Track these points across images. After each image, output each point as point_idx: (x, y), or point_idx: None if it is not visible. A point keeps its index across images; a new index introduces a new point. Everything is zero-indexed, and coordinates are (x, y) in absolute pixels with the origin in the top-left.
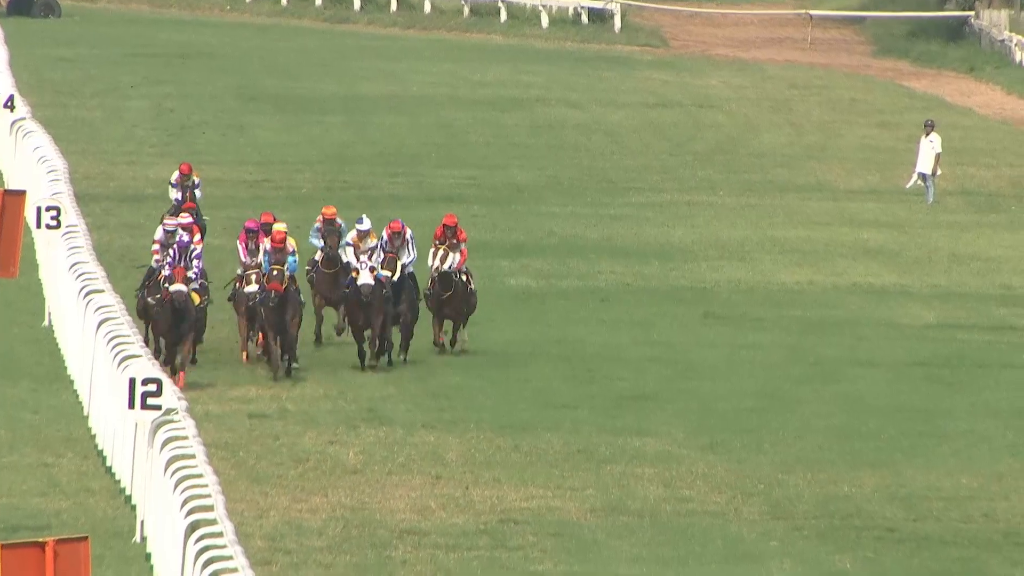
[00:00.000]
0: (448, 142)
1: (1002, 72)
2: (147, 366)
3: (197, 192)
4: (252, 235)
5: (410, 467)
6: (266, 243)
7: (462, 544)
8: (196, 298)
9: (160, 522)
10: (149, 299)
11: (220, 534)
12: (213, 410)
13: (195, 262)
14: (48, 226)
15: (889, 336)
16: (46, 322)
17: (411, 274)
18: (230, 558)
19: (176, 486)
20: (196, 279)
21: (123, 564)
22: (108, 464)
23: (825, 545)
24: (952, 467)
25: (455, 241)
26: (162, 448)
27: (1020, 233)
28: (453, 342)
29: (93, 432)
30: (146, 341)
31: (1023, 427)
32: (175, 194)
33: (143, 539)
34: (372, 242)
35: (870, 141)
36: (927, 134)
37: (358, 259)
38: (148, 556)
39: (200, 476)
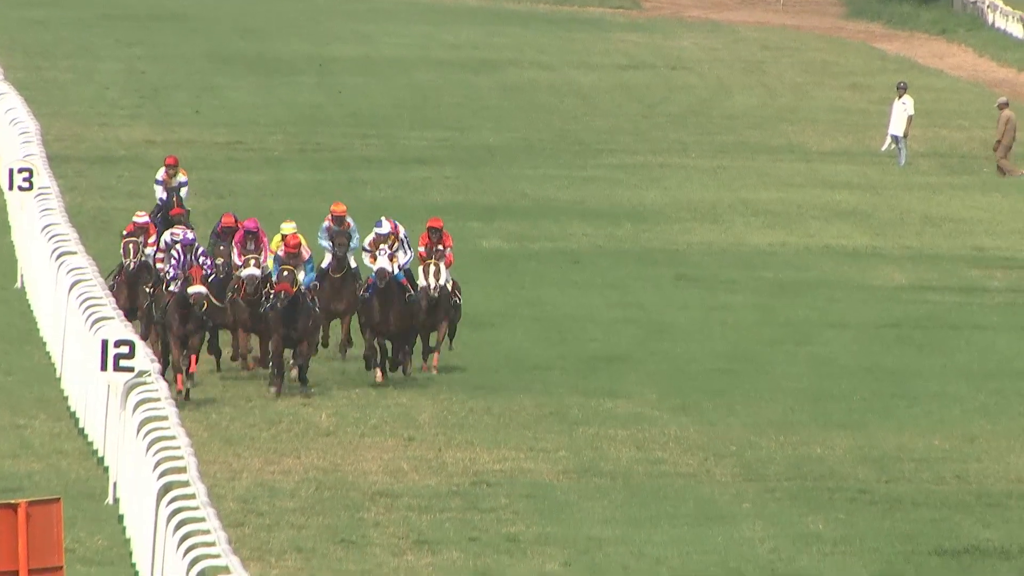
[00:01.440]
0: (420, 104)
1: (974, 34)
2: (119, 328)
3: (183, 191)
4: (251, 236)
5: (383, 429)
6: (278, 247)
7: (435, 506)
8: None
9: (133, 484)
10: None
11: (193, 496)
12: None
13: (204, 260)
14: (20, 188)
15: (861, 298)
16: (18, 284)
17: (408, 273)
18: (203, 520)
19: (149, 448)
20: (211, 274)
21: (96, 525)
22: (80, 426)
23: (797, 506)
24: (924, 428)
25: (440, 248)
26: (135, 410)
27: (992, 195)
28: (426, 354)
29: (66, 394)
30: (158, 353)
31: (995, 389)
32: (160, 192)
33: (116, 501)
34: (384, 246)
35: (842, 103)
36: (899, 96)
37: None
38: (121, 517)
39: (173, 438)
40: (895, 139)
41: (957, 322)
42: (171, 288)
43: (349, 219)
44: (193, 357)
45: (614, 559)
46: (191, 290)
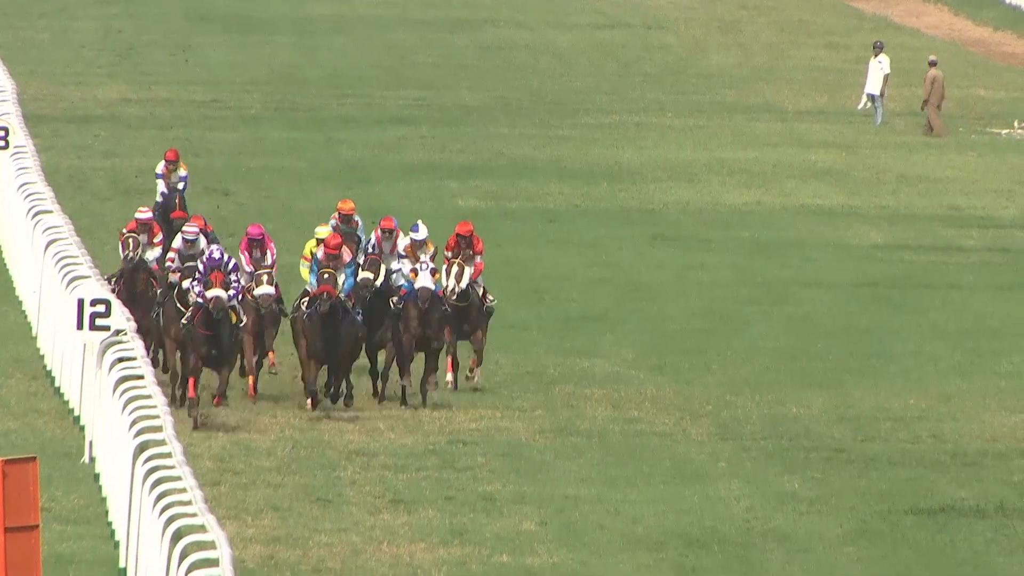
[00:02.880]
0: (397, 63)
1: None
2: (96, 287)
3: (181, 186)
4: (256, 243)
5: (359, 388)
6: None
7: (411, 465)
8: (233, 316)
9: (109, 442)
10: (180, 321)
11: (169, 455)
12: None
13: (232, 276)
14: None
15: (837, 257)
16: None
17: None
18: (179, 479)
19: (125, 407)
20: (236, 294)
21: (72, 484)
22: (57, 385)
23: (773, 465)
24: (900, 388)
25: (470, 252)
26: (111, 369)
27: (968, 154)
28: (471, 369)
29: (42, 353)
30: (171, 371)
31: (970, 347)
32: (161, 187)
33: (92, 459)
34: (429, 251)
35: (818, 62)
36: (876, 55)
37: (417, 260)
38: (97, 476)
39: (149, 397)
40: (871, 98)
41: (933, 281)
42: (197, 300)
43: (357, 217)
44: (223, 377)
45: (590, 518)
46: (209, 294)
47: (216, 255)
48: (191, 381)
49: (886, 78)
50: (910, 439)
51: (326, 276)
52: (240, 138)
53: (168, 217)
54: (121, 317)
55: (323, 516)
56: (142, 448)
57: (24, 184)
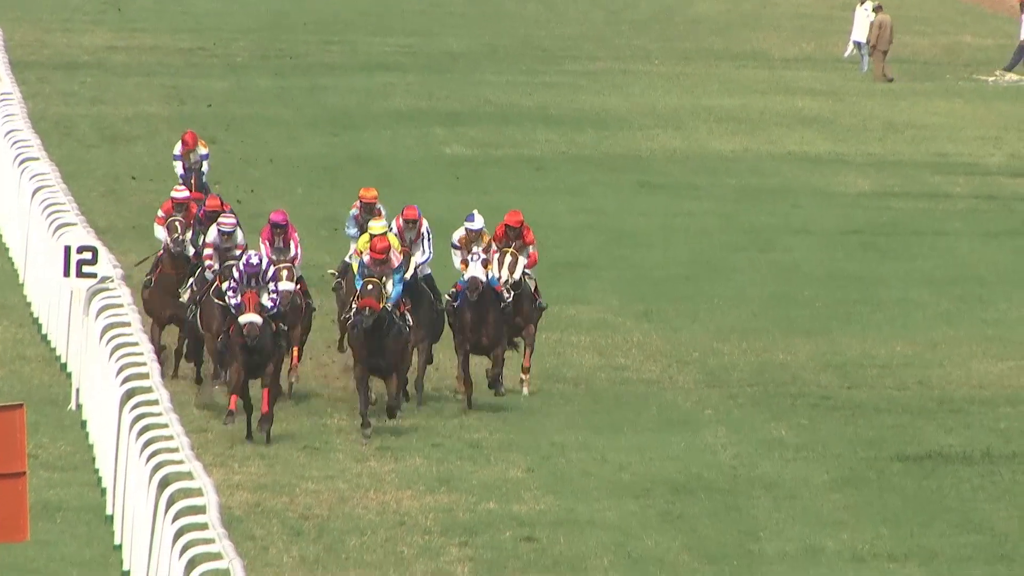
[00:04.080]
0: (383, 10)
1: None
2: (82, 234)
3: (204, 166)
4: (279, 231)
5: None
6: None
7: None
8: (274, 325)
9: (96, 390)
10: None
11: (156, 402)
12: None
13: (271, 286)
14: None
15: (823, 204)
16: None
17: (428, 277)
18: (166, 426)
19: (112, 354)
20: (274, 307)
21: (59, 431)
22: (44, 332)
23: (760, 412)
24: (886, 335)
25: (520, 243)
26: (97, 316)
27: (954, 101)
28: (526, 367)
29: (28, 300)
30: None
31: (957, 294)
32: (179, 169)
33: (79, 407)
34: (485, 242)
35: (805, 9)
36: (862, 3)
37: (469, 251)
38: (84, 423)
39: (135, 344)
40: (857, 45)
41: (919, 228)
42: (232, 303)
43: (380, 206)
44: (265, 392)
45: (576, 465)
46: (242, 320)
47: (255, 260)
48: (233, 397)
49: (871, 25)
50: (897, 386)
51: (370, 287)
52: (226, 86)
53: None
54: (108, 264)
55: (310, 464)
56: (129, 395)
57: (10, 131)
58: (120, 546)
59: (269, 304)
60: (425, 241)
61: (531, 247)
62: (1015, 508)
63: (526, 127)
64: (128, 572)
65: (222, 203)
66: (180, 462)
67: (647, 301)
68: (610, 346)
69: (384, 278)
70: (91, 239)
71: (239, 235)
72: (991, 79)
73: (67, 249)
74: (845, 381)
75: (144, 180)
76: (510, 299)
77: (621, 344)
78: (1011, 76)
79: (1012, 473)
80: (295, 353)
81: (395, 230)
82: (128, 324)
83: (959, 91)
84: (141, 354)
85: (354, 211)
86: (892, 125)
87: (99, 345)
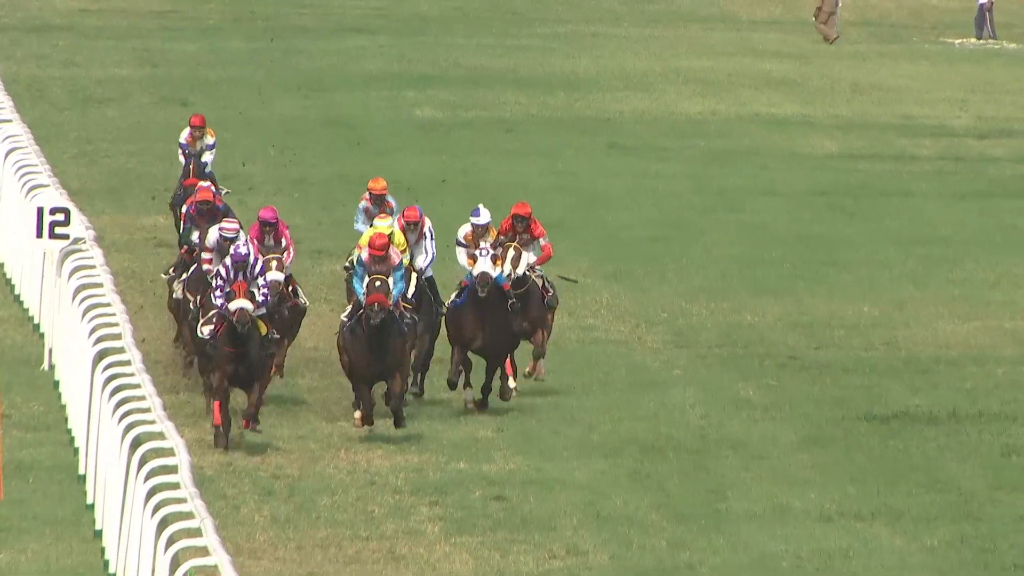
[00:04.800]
0: None
1: None
2: (55, 195)
3: (208, 156)
4: (269, 229)
5: (317, 296)
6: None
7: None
8: (262, 327)
9: (68, 350)
10: (201, 330)
11: (128, 362)
12: (120, 239)
13: (260, 280)
14: None
15: (791, 165)
16: None
17: (430, 280)
18: (138, 386)
19: (84, 314)
20: (264, 302)
21: (31, 391)
22: (16, 292)
23: (728, 372)
24: (853, 295)
25: (527, 237)
26: (70, 277)
27: (921, 63)
28: (529, 372)
29: (1, 261)
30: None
31: (924, 255)
32: (183, 157)
33: (51, 367)
34: (492, 237)
35: None
36: None
37: (476, 247)
38: (56, 383)
39: (108, 305)
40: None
41: (886, 189)
42: (218, 303)
43: (391, 198)
44: (253, 397)
45: (546, 425)
46: (232, 306)
47: (243, 251)
48: (216, 405)
49: None
50: (863, 346)
51: (378, 284)
52: (198, 48)
53: (183, 186)
54: (80, 226)
55: (281, 423)
56: (101, 356)
57: None
58: (92, 505)
59: (260, 299)
60: (427, 242)
61: (542, 240)
62: (980, 467)
63: (496, 89)
64: (100, 531)
65: (214, 196)
66: (152, 422)
67: (616, 262)
68: (579, 306)
69: (388, 274)
70: (64, 200)
71: (242, 239)
72: (958, 42)
73: (40, 210)
74: (812, 341)
75: (117, 142)
76: (515, 300)
77: (590, 304)
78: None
79: (978, 432)
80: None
81: (363, 206)
82: (100, 285)
83: (926, 54)
84: (113, 315)
85: (363, 203)
86: (859, 87)
87: (72, 305)
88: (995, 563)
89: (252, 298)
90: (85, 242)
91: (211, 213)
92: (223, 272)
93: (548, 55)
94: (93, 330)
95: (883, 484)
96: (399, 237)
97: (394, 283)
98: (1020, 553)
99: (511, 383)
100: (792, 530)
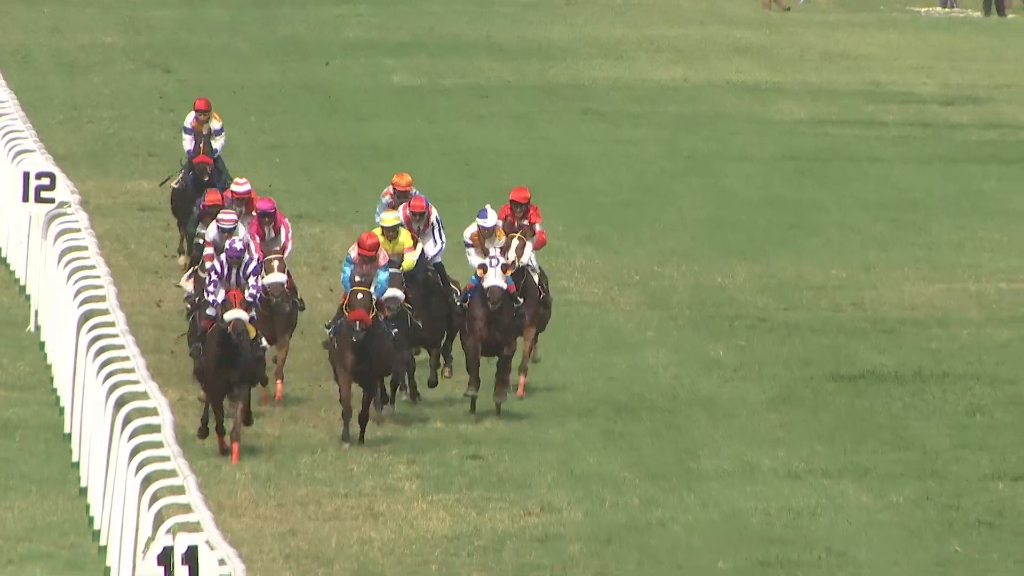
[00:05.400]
0: None
1: None
2: (41, 160)
3: (218, 141)
4: (267, 220)
5: (296, 260)
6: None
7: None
8: (251, 330)
9: (54, 312)
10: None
11: (112, 323)
12: (105, 203)
13: (251, 280)
14: None
15: (761, 131)
16: None
17: (440, 267)
18: (122, 347)
19: (69, 277)
20: (254, 302)
21: (18, 352)
22: (3, 255)
23: (699, 333)
24: (822, 258)
25: (527, 224)
26: (56, 240)
27: (889, 32)
28: (516, 368)
29: None
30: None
31: (890, 219)
32: (188, 144)
33: (37, 328)
34: (499, 242)
35: None
36: None
37: (486, 254)
38: (42, 345)
39: (93, 267)
40: None
41: (854, 155)
42: (208, 312)
43: (416, 191)
44: (240, 408)
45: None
46: (228, 316)
47: (239, 246)
48: (220, 439)
49: None
50: (831, 307)
51: (360, 296)
52: (181, 15)
53: (192, 164)
54: (66, 189)
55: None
56: (86, 317)
57: None
58: (78, 463)
59: (251, 296)
60: (436, 232)
61: (537, 226)
62: (945, 426)
63: (472, 57)
64: (85, 488)
65: (223, 197)
66: (136, 382)
67: (590, 225)
68: (553, 268)
69: (371, 277)
70: (49, 165)
71: (241, 231)
72: (924, 10)
73: (26, 175)
74: (781, 303)
75: (102, 108)
76: (523, 301)
77: (564, 267)
78: (948, 10)
79: (942, 392)
80: (281, 358)
81: (402, 219)
82: (85, 248)
83: (893, 22)
84: (98, 277)
85: (386, 198)
86: (828, 55)
87: (57, 268)
88: (959, 520)
89: (247, 308)
90: (70, 206)
91: (214, 214)
92: (217, 267)
93: (523, 23)
94: (78, 292)
95: (850, 442)
96: (405, 235)
97: (378, 284)
98: (984, 510)
99: (522, 379)
100: (761, 487)
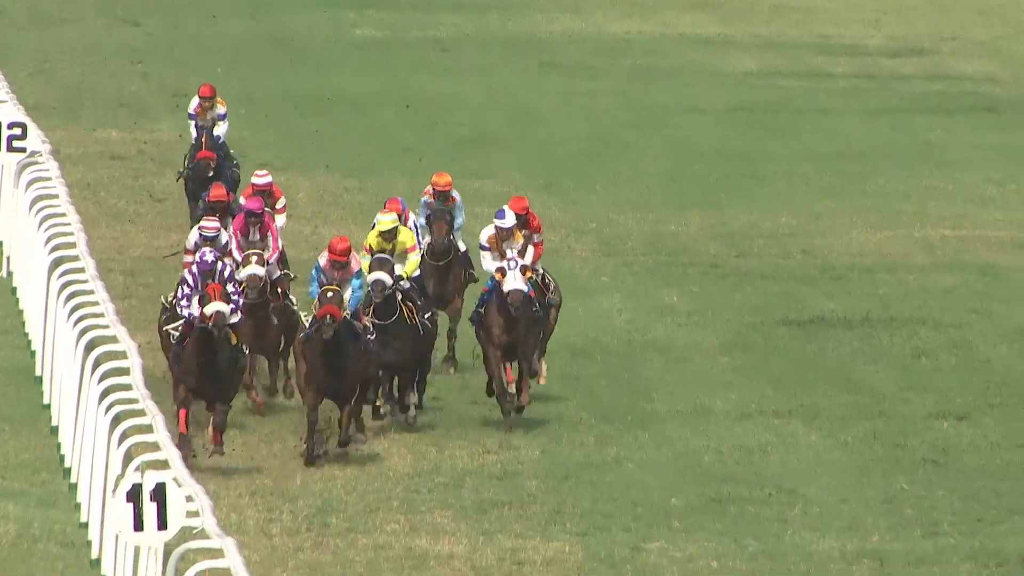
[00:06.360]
0: None
1: None
2: (12, 110)
3: (220, 128)
4: (254, 221)
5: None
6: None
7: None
8: (233, 336)
9: (25, 258)
10: (168, 329)
11: (82, 269)
12: (75, 151)
13: (230, 286)
14: None
15: (714, 83)
16: None
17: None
18: (91, 292)
19: (40, 224)
20: (236, 308)
21: None
22: None
23: (653, 280)
24: (772, 207)
25: (527, 232)
26: (27, 188)
27: None
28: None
29: None
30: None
31: (839, 169)
32: (194, 130)
33: (9, 274)
34: (517, 244)
35: None
36: None
37: (503, 256)
38: (14, 290)
39: (63, 215)
40: None
41: (803, 106)
42: (185, 313)
43: (455, 193)
44: (213, 429)
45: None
46: (208, 309)
47: (209, 258)
48: (183, 414)
49: None
50: (782, 255)
51: (329, 295)
52: None
53: (196, 161)
54: (37, 139)
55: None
56: (57, 263)
57: None
58: (49, 405)
59: (232, 307)
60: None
61: (536, 236)
62: (892, 369)
63: (433, 10)
64: (56, 428)
65: (228, 192)
66: (105, 327)
67: (548, 175)
68: None
69: (343, 284)
70: (21, 115)
71: (223, 238)
72: None
73: None
74: (733, 250)
75: (73, 61)
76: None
77: None
78: None
79: (889, 336)
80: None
81: (425, 201)
82: (56, 196)
83: None
84: (68, 224)
85: (426, 198)
86: (778, 8)
87: (28, 215)
88: (905, 458)
89: (228, 300)
90: (41, 155)
91: (225, 211)
92: (189, 279)
93: None
94: (49, 239)
95: (800, 385)
96: (405, 234)
97: (351, 292)
98: (929, 448)
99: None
100: (714, 428)
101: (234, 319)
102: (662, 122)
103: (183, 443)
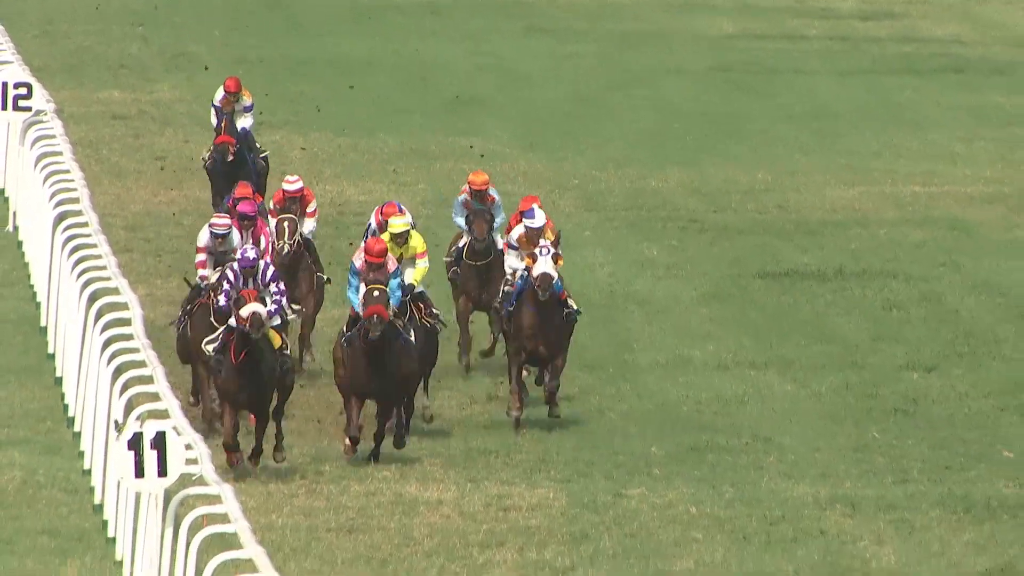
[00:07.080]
0: None
1: None
2: (18, 71)
3: (246, 120)
4: (247, 224)
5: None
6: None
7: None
8: (276, 339)
9: (31, 213)
10: (207, 347)
11: (85, 224)
12: (78, 111)
13: (272, 287)
14: None
15: (694, 46)
16: None
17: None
18: (94, 246)
19: (45, 180)
20: (276, 311)
21: None
22: None
23: (634, 234)
24: (750, 164)
25: (543, 242)
26: (32, 146)
27: None
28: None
29: None
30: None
31: (814, 128)
32: (214, 120)
33: (15, 228)
34: (546, 241)
35: None
36: None
37: (529, 252)
38: (20, 244)
39: (67, 172)
40: None
41: (780, 67)
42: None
43: (493, 192)
44: (262, 424)
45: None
46: (244, 311)
47: (251, 255)
48: (229, 456)
49: None
50: (758, 210)
51: (376, 294)
52: None
53: (215, 145)
54: (41, 98)
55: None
56: (61, 218)
57: None
58: (53, 355)
59: (273, 308)
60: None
61: (554, 248)
62: (864, 320)
63: None
64: (60, 378)
65: (254, 192)
66: (108, 279)
67: (533, 134)
68: (499, 173)
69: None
70: (26, 76)
71: (235, 238)
72: None
73: (4, 84)
74: (711, 206)
75: (76, 23)
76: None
77: (508, 172)
78: None
79: (862, 289)
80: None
81: (462, 200)
82: (60, 154)
83: None
84: (72, 181)
85: (463, 196)
86: None
87: (33, 172)
88: (877, 407)
89: (264, 303)
90: (46, 114)
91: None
92: (231, 277)
93: None
94: (53, 195)
95: (775, 336)
96: (416, 239)
97: (391, 293)
98: (899, 398)
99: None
100: (692, 378)
101: (274, 321)
102: (645, 83)
103: (230, 454)
